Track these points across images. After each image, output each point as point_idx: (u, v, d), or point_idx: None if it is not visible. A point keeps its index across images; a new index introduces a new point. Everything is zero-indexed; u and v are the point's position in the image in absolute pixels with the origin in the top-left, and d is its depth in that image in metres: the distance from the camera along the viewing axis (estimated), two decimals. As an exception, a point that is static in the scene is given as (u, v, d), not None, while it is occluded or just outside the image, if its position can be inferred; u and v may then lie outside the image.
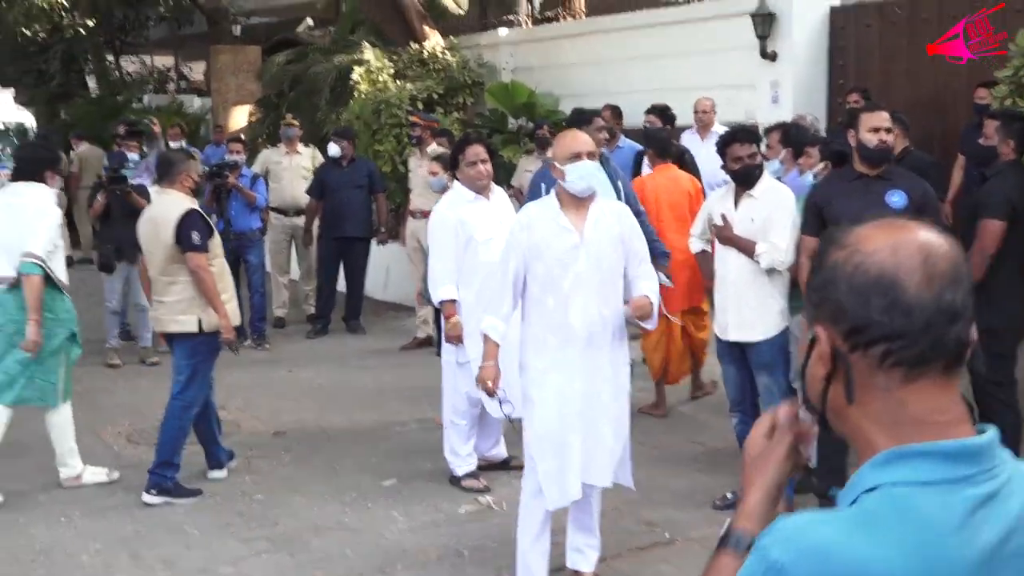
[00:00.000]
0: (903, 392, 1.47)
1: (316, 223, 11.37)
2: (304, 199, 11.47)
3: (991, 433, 1.48)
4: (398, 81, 13.43)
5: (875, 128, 5.44)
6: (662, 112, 9.93)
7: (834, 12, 11.44)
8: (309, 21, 19.87)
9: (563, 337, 4.95)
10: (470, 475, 6.66)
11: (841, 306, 1.49)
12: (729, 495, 6.11)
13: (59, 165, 6.99)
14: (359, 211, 10.96)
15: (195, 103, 23.38)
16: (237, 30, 23.05)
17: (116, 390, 9.22)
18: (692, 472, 6.84)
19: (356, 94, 13.38)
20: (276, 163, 11.58)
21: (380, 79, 13.42)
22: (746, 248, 5.80)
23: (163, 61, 29.85)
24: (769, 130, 6.93)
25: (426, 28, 14.68)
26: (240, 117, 18.81)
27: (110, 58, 26.65)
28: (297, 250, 11.81)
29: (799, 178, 6.50)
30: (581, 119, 7.13)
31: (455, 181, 6.74)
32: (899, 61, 10.87)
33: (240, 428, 8.03)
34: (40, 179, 6.63)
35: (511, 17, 15.89)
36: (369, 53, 13.75)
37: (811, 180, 6.37)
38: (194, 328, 6.44)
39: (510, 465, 6.84)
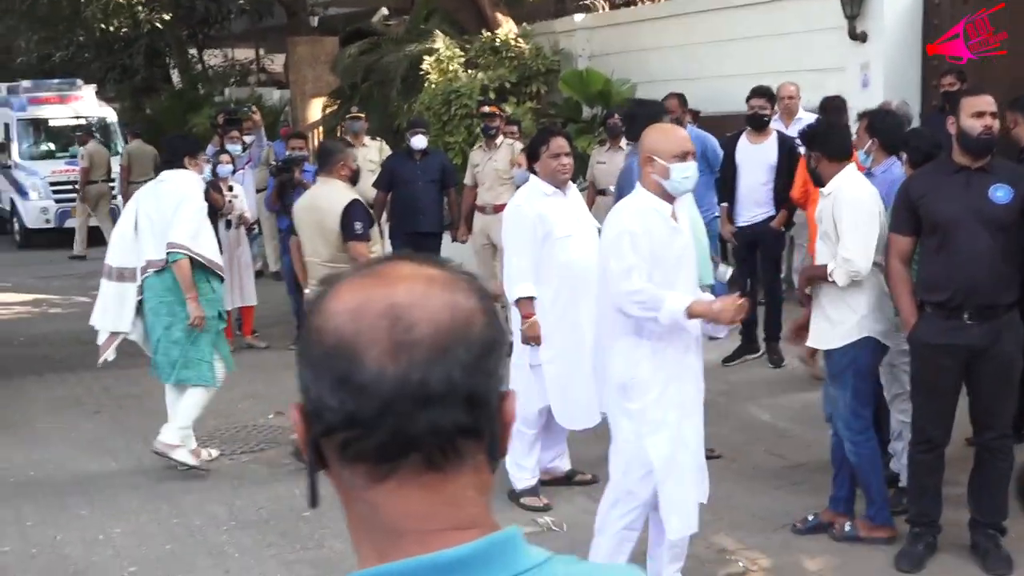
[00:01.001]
0: (372, 493, 1.15)
1: (384, 217, 10.95)
2: (372, 192, 11.08)
3: (492, 539, 1.14)
4: (469, 71, 12.98)
5: (979, 112, 4.79)
6: (770, 95, 9.27)
7: (928, -11, 10.75)
8: (384, 11, 19.50)
9: (683, 344, 4.62)
10: (530, 491, 6.18)
11: (303, 382, 1.18)
12: (811, 517, 5.57)
13: (199, 153, 7.13)
14: (431, 205, 10.45)
15: (274, 95, 23.28)
16: (315, 21, 22.85)
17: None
18: (770, 489, 6.29)
19: (427, 84, 12.98)
20: (346, 157, 11.21)
21: (451, 68, 13.00)
22: (821, 275, 5.26)
23: (245, 54, 29.85)
24: (860, 117, 6.28)
25: (499, 15, 14.24)
26: (317, 109, 18.59)
27: (193, 52, 26.75)
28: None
29: (889, 171, 5.85)
30: (653, 112, 6.63)
31: (532, 175, 6.25)
32: (1000, 39, 10.14)
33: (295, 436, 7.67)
34: (181, 165, 6.82)
35: (588, 2, 15.34)
36: (440, 42, 13.33)
37: (899, 174, 5.77)
38: None
39: (573, 480, 6.38)
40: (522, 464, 6.19)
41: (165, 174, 6.94)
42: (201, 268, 6.68)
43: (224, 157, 10.46)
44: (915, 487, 5.21)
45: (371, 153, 11.25)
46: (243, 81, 27.26)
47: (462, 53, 13.30)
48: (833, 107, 8.77)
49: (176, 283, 6.57)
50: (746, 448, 6.98)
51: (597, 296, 4.91)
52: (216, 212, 9.67)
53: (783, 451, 6.96)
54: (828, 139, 5.46)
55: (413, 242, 10.48)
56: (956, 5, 10.48)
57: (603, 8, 15.15)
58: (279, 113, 21.37)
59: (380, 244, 6.99)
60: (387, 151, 11.34)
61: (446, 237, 10.70)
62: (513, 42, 13.47)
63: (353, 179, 6.98)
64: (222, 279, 6.98)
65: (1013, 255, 4.87)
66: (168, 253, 6.53)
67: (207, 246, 6.77)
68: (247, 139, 13.14)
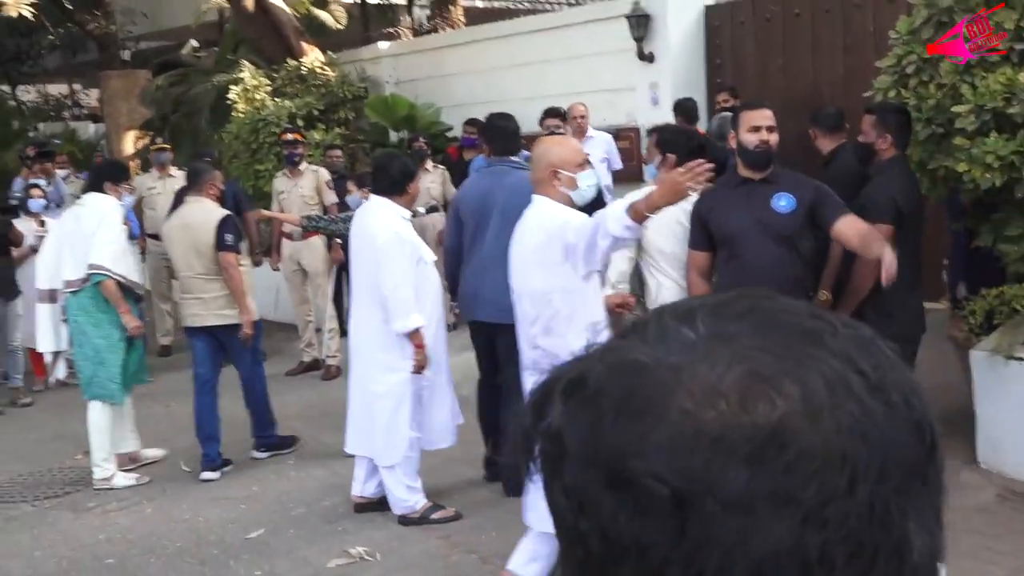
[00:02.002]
0: None
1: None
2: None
3: None
4: (277, 99, 12.40)
5: (755, 127, 4.60)
6: (563, 115, 9.11)
7: (708, 11, 10.77)
8: (193, 43, 18.66)
9: None
10: (433, 507, 5.75)
11: None
12: None
13: (121, 180, 7.07)
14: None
15: (90, 129, 22.21)
16: (127, 55, 21.79)
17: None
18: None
19: (234, 114, 12.33)
20: (150, 189, 10.53)
21: (258, 97, 12.38)
22: None
23: (60, 89, 28.33)
24: (649, 132, 6.07)
25: (304, 44, 13.68)
26: (132, 142, 17.64)
27: (6, 88, 25.17)
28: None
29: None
30: (512, 125, 6.23)
31: (383, 199, 5.72)
32: (775, 58, 10.23)
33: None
34: (101, 189, 6.78)
35: (392, 30, 14.95)
36: (246, 72, 12.70)
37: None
38: (237, 320, 6.71)
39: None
40: (414, 487, 5.76)
41: (85, 197, 6.87)
42: (120, 288, 6.56)
43: (35, 191, 9.69)
44: None
45: (180, 184, 10.55)
46: (58, 116, 25.83)
47: (268, 82, 12.70)
48: (684, 110, 8.82)
49: (90, 303, 6.49)
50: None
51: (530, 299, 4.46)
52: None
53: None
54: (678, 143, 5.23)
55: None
56: (735, 26, 10.52)
57: (407, 36, 14.79)
58: (95, 146, 20.30)
59: (249, 258, 7.21)
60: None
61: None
62: (319, 70, 12.95)
63: (221, 198, 7.06)
64: (139, 299, 6.89)
65: (799, 262, 4.67)
66: (91, 274, 6.42)
67: (127, 267, 6.66)
68: (60, 172, 12.29)
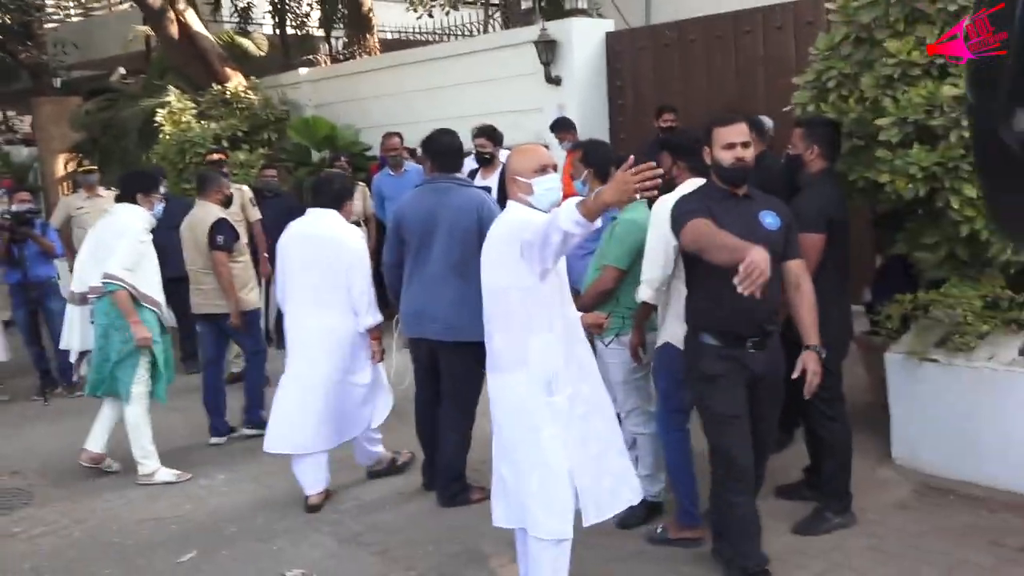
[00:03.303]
0: None
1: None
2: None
3: None
4: (202, 121, 11.50)
5: (729, 144, 3.86)
6: (491, 134, 8.43)
7: (610, 36, 10.27)
8: (122, 70, 17.55)
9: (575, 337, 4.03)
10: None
11: None
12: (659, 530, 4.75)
13: (152, 191, 6.35)
14: (177, 251, 8.98)
15: (23, 152, 20.85)
16: (58, 83, 20.52)
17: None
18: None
19: (161, 136, 11.41)
20: (79, 208, 9.55)
21: (184, 119, 11.48)
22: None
23: (-7, 116, 26.75)
24: (573, 148, 5.45)
25: (228, 70, 12.81)
26: (63, 164, 16.54)
27: (-60, 114, 23.63)
28: (109, 292, 9.80)
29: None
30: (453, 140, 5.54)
31: (329, 211, 5.56)
32: (671, 80, 9.77)
33: (33, 498, 6.08)
34: (132, 200, 6.24)
35: (311, 57, 14.12)
36: (172, 96, 11.78)
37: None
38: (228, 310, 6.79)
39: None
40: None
41: (115, 207, 6.34)
42: (135, 299, 6.04)
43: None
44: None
45: (108, 203, 9.59)
46: (-10, 141, 24.31)
47: (194, 105, 11.80)
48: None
49: (110, 308, 5.99)
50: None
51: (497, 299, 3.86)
52: None
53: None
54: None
55: (167, 287, 9.01)
56: (635, 52, 10.04)
57: (326, 62, 14.00)
58: (28, 169, 19.08)
59: (248, 256, 7.21)
60: (123, 200, 9.81)
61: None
62: (243, 94, 12.10)
63: (226, 202, 7.17)
64: (154, 310, 6.22)
65: (779, 280, 3.98)
66: (104, 283, 5.94)
67: (145, 279, 6.10)
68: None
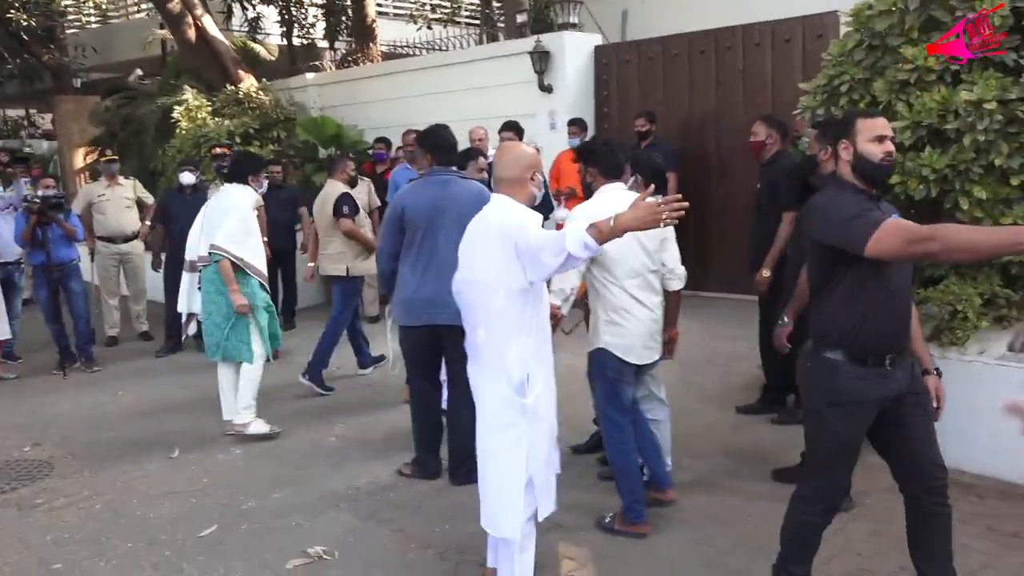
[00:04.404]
0: None
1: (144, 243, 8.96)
2: (130, 226, 9.05)
3: None
4: (216, 118, 10.97)
5: (880, 136, 3.08)
6: (516, 127, 8.02)
7: (598, 49, 9.89)
8: (139, 71, 16.89)
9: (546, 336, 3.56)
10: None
11: None
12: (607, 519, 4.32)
13: (260, 171, 6.24)
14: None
15: (43, 146, 20.09)
16: (78, 83, 19.81)
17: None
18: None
19: (178, 130, 10.86)
20: (100, 196, 9.04)
21: (199, 116, 10.94)
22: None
23: (18, 112, 25.78)
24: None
25: (241, 72, 12.27)
26: (82, 157, 15.89)
27: (-34, 111, 22.76)
28: (126, 274, 9.26)
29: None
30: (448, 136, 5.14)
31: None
32: (655, 90, 9.41)
33: (53, 469, 5.60)
34: (243, 180, 6.06)
35: (317, 63, 13.60)
36: (188, 94, 11.22)
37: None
38: (343, 272, 7.02)
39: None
40: None
41: (226, 186, 6.16)
42: (241, 268, 5.89)
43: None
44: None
45: (126, 191, 9.15)
46: (15, 135, 23.40)
47: (209, 103, 11.25)
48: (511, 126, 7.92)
49: (215, 277, 5.86)
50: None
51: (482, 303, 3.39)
52: None
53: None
54: (604, 158, 4.20)
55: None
56: (621, 64, 9.67)
57: (331, 68, 13.49)
58: (48, 161, 18.36)
59: (367, 226, 7.39)
60: (140, 188, 9.33)
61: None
62: (255, 94, 11.56)
63: (352, 181, 7.59)
64: (260, 280, 6.04)
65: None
66: (210, 253, 5.87)
67: (251, 251, 5.96)
68: (24, 180, 10.66)
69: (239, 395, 5.99)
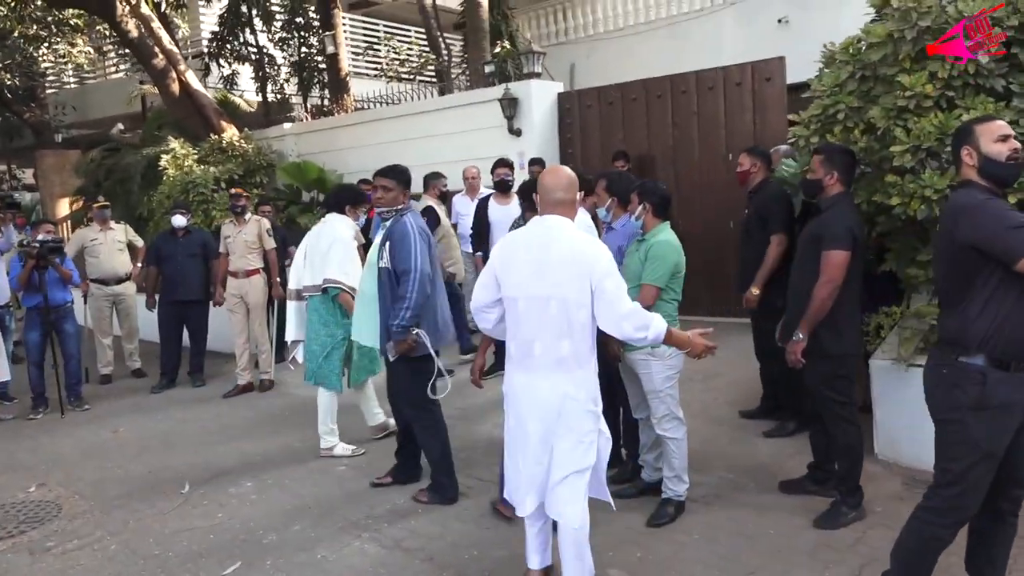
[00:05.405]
0: None
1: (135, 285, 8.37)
2: (122, 268, 8.47)
3: None
4: (202, 165, 10.43)
5: (1004, 136, 2.79)
6: (511, 164, 7.84)
7: (561, 96, 9.65)
8: (120, 125, 16.17)
9: None
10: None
11: None
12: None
13: (359, 204, 5.77)
14: (193, 277, 7.94)
15: (26, 197, 19.25)
16: (59, 138, 18.95)
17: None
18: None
19: (165, 178, 10.28)
20: (92, 240, 8.47)
21: (186, 164, 10.38)
22: None
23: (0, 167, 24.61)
24: (597, 179, 4.75)
25: (223, 122, 11.73)
26: (63, 207, 15.25)
27: (-50, 166, 21.57)
28: (119, 314, 8.64)
29: (627, 224, 4.39)
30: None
31: None
32: (616, 132, 9.19)
33: (61, 510, 5.00)
34: (342, 211, 5.66)
35: (292, 114, 13.13)
36: (175, 144, 10.67)
37: (635, 226, 4.28)
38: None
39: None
40: None
41: (328, 216, 5.72)
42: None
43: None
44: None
45: (118, 235, 8.61)
46: (-4, 188, 22.33)
47: (195, 152, 10.71)
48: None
49: (322, 307, 5.53)
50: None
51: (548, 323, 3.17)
52: None
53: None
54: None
55: (178, 310, 8.01)
56: (583, 108, 9.44)
57: (307, 118, 13.03)
58: (31, 211, 17.47)
59: (447, 240, 7.18)
60: (131, 232, 8.85)
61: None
62: (237, 143, 11.04)
63: (442, 197, 7.57)
64: None
65: None
66: (327, 287, 5.49)
67: (355, 279, 5.48)
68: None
69: (319, 420, 5.63)
